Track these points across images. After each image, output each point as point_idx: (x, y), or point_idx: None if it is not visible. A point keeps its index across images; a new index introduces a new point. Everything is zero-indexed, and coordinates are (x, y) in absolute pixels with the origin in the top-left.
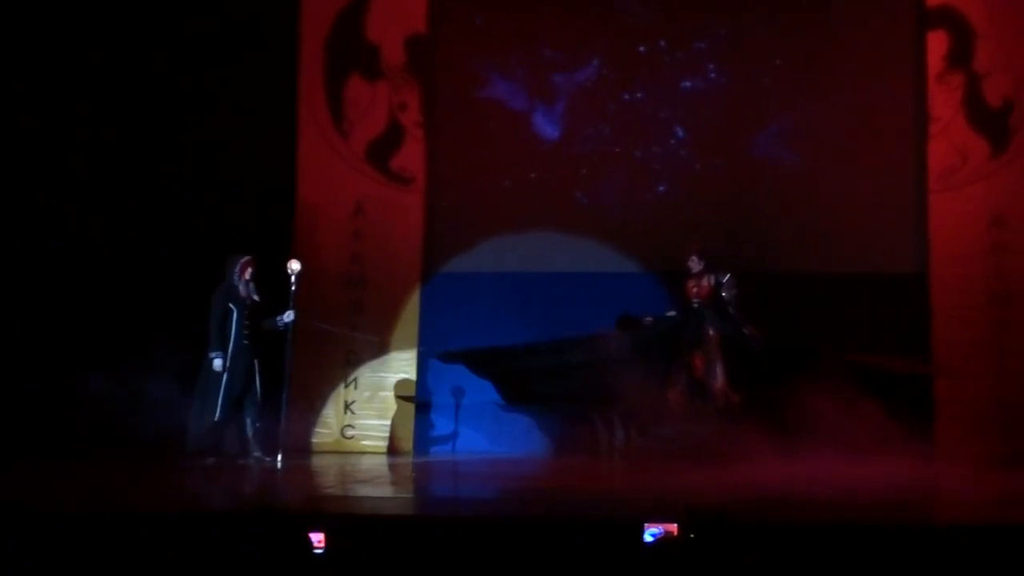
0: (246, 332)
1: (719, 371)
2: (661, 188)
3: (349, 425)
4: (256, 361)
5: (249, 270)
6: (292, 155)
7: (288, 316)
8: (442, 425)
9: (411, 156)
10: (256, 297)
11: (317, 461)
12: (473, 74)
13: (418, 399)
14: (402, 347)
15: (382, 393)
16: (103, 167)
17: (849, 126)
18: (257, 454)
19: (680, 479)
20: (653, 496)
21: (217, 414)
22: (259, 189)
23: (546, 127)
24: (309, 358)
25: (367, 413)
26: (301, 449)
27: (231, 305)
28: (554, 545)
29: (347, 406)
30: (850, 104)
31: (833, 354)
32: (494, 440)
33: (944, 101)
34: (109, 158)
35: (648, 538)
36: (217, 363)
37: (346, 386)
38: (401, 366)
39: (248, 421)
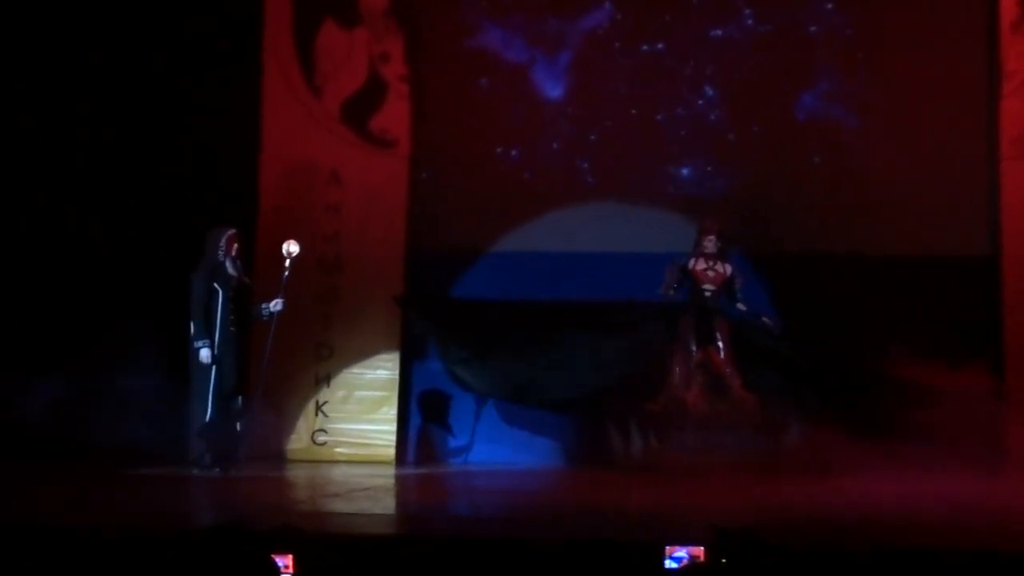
0: (233, 318)
1: (734, 369)
2: (686, 157)
3: (321, 430)
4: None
5: (235, 245)
6: (255, 115)
7: (276, 305)
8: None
9: (394, 116)
10: (246, 279)
11: (284, 471)
12: (464, 20)
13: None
14: (384, 340)
15: (359, 393)
16: (46, 133)
17: (911, 83)
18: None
19: (707, 495)
20: (676, 514)
21: (208, 414)
22: (216, 156)
23: (547, 84)
24: (277, 351)
25: (342, 416)
26: (264, 458)
27: (216, 286)
28: (559, 571)
29: (319, 408)
30: (912, 57)
31: (871, 368)
32: (492, 448)
33: (1020, 54)
34: (50, 118)
35: (671, 563)
36: (204, 353)
37: (317, 384)
38: (382, 362)
39: (236, 422)
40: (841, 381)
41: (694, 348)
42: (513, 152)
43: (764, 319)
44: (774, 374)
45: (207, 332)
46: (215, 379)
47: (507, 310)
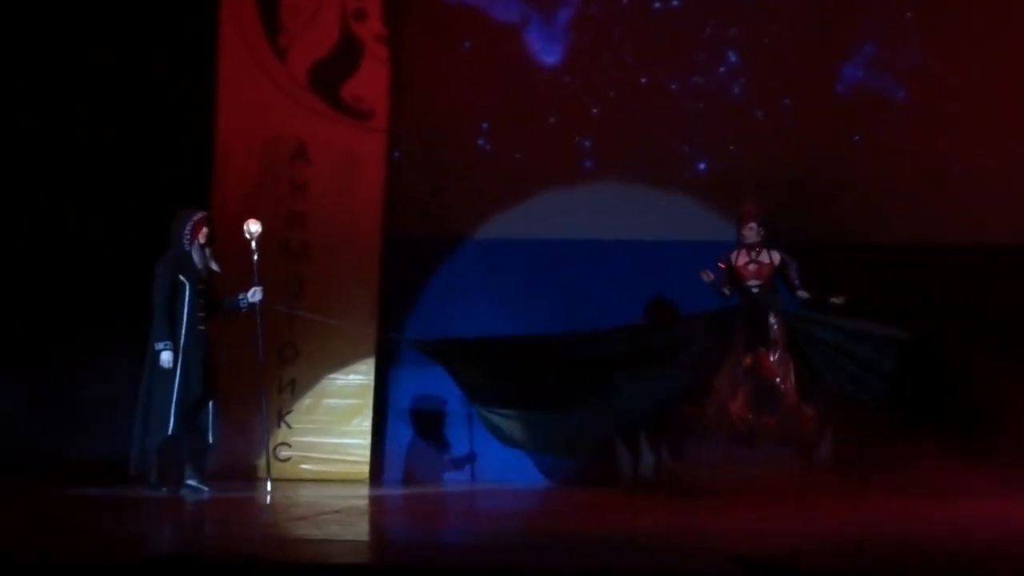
0: (202, 314)
1: (789, 375)
2: (704, 135)
3: (284, 443)
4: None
5: (204, 231)
6: (210, 81)
7: (255, 294)
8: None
9: (370, 82)
10: (216, 267)
11: (243, 492)
12: None
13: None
14: (357, 340)
15: (328, 401)
16: None
17: (966, 49)
18: (192, 482)
19: (727, 519)
20: (692, 542)
21: (171, 425)
22: (167, 128)
23: (543, 47)
24: (229, 352)
25: (309, 428)
26: (219, 476)
27: (182, 278)
28: None
29: (281, 418)
30: (968, 19)
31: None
32: (480, 466)
33: None
34: None
35: None
36: (165, 357)
37: (280, 391)
38: (356, 365)
39: (205, 434)
40: (926, 379)
41: (744, 352)
42: (502, 127)
43: (833, 299)
44: (826, 387)
45: (169, 332)
46: (179, 385)
47: (535, 347)
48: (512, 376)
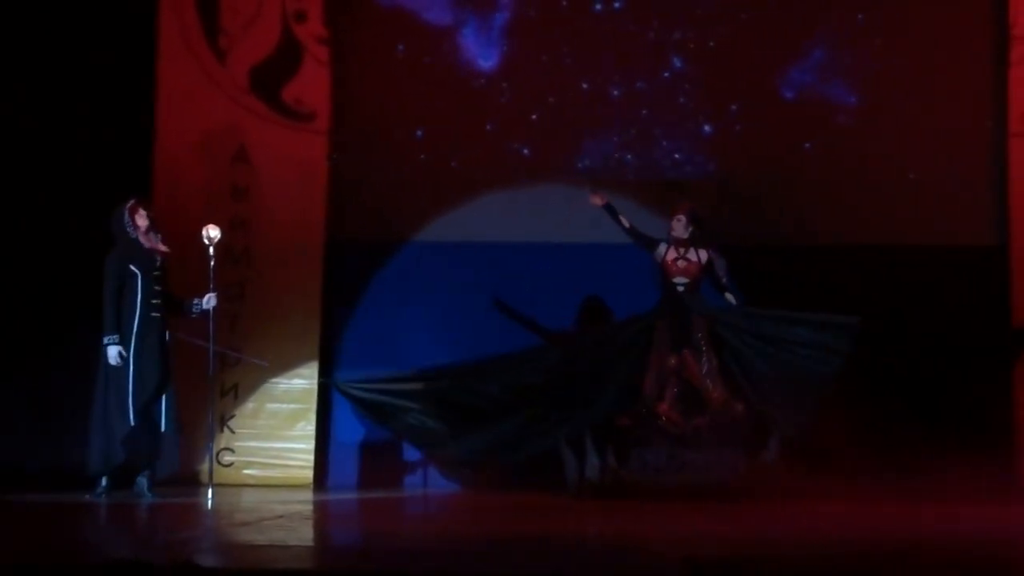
0: (156, 301)
1: (716, 375)
2: (647, 141)
3: (227, 448)
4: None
5: (142, 212)
6: (149, 82)
7: (209, 300)
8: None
9: (311, 84)
10: (163, 247)
11: (184, 497)
12: None
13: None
14: (300, 344)
15: (271, 405)
16: None
17: (913, 50)
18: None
19: (675, 524)
20: (640, 547)
21: (131, 415)
22: (103, 129)
23: (478, 51)
24: (176, 356)
25: (252, 432)
26: (160, 482)
27: (132, 268)
28: None
29: (224, 423)
30: (920, 21)
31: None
32: (424, 471)
33: None
34: None
35: None
36: (112, 352)
37: (223, 396)
38: (298, 369)
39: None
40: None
41: (668, 353)
42: (440, 133)
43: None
44: (760, 379)
45: (116, 325)
46: (133, 375)
47: (458, 373)
48: (448, 405)
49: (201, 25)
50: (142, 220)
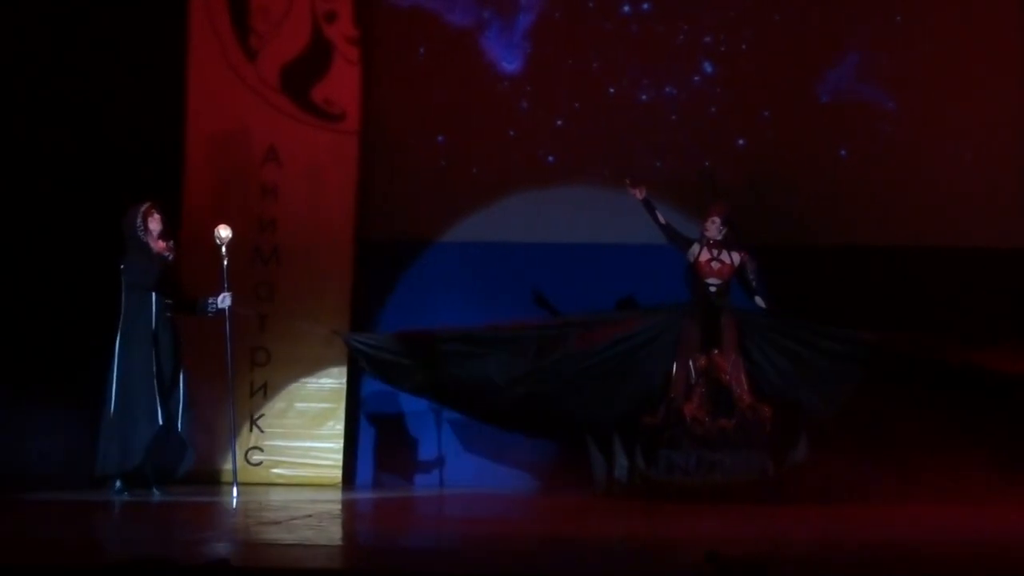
0: (169, 301)
1: (743, 378)
2: (677, 149)
3: (256, 447)
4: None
5: (156, 216)
6: (180, 82)
7: (224, 300)
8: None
9: (341, 84)
10: (169, 251)
11: (213, 496)
12: None
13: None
14: (329, 343)
15: (300, 405)
16: None
17: (950, 53)
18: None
19: (701, 524)
20: (666, 546)
21: (159, 419)
22: (135, 128)
23: (501, 53)
24: (200, 355)
25: (280, 432)
26: (190, 480)
27: (148, 272)
28: None
29: (253, 422)
30: (952, 21)
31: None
32: (453, 471)
33: None
34: None
35: None
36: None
37: (252, 395)
38: (327, 369)
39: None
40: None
41: (697, 353)
42: (459, 139)
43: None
44: (787, 375)
45: (135, 328)
46: (157, 380)
47: (475, 337)
48: (450, 367)
49: (232, 25)
50: (155, 224)
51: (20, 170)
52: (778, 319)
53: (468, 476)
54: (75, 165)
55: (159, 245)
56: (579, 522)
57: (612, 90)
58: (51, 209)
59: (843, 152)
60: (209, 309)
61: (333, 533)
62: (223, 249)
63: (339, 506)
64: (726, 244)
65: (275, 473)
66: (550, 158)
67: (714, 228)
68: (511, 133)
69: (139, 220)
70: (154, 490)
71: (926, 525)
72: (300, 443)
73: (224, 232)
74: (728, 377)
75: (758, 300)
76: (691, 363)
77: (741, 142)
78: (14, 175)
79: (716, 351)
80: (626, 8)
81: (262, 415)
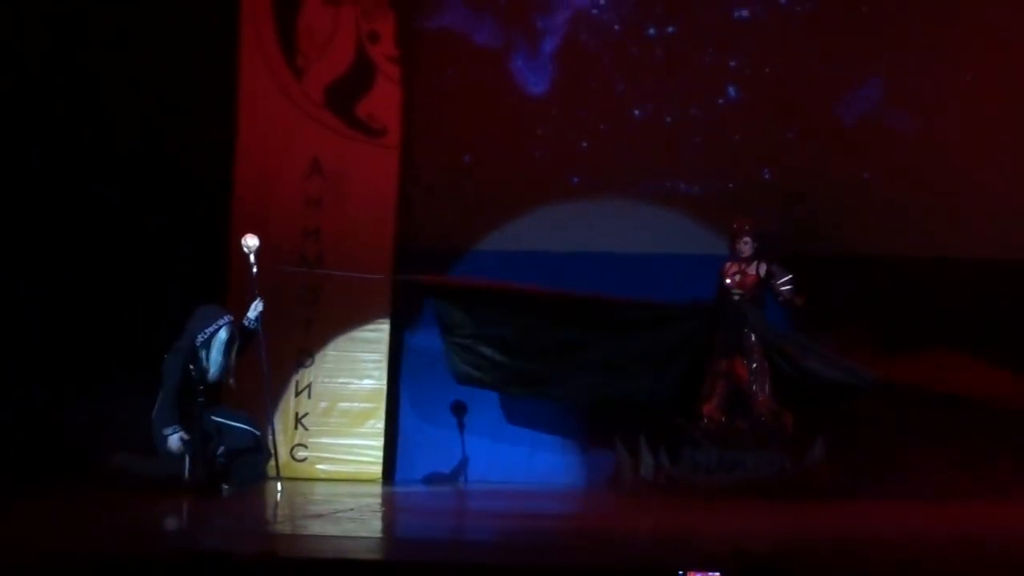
0: (202, 388)
1: (765, 383)
2: (700, 171)
3: (300, 444)
4: None
5: (222, 336)
6: (231, 99)
7: (256, 308)
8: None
9: (383, 101)
10: (232, 382)
11: (258, 489)
12: None
13: None
14: (370, 346)
15: (343, 404)
16: None
17: (975, 73)
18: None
19: (725, 520)
20: (691, 540)
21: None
22: (188, 142)
23: (528, 75)
24: (247, 356)
25: (324, 430)
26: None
27: (190, 367)
28: None
29: (298, 420)
30: (976, 43)
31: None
32: (488, 467)
33: None
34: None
35: None
36: (174, 440)
37: (297, 395)
38: (368, 369)
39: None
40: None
41: (720, 357)
42: (486, 159)
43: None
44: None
45: (173, 417)
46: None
47: (519, 298)
48: (493, 317)
49: (280, 45)
50: (218, 343)
51: (69, 186)
52: (796, 337)
53: (501, 472)
54: (129, 178)
55: (219, 363)
56: (609, 517)
57: (637, 112)
58: (107, 221)
59: (866, 175)
60: (248, 325)
61: (374, 525)
62: (252, 257)
63: (379, 500)
64: (755, 255)
65: (319, 469)
66: (575, 179)
67: (747, 248)
68: (536, 155)
69: (210, 329)
70: (224, 487)
71: (951, 522)
72: (343, 440)
73: (251, 241)
74: (746, 385)
75: (787, 293)
76: (715, 366)
77: (765, 166)
78: (63, 191)
79: (738, 355)
80: (651, 31)
81: (306, 414)
